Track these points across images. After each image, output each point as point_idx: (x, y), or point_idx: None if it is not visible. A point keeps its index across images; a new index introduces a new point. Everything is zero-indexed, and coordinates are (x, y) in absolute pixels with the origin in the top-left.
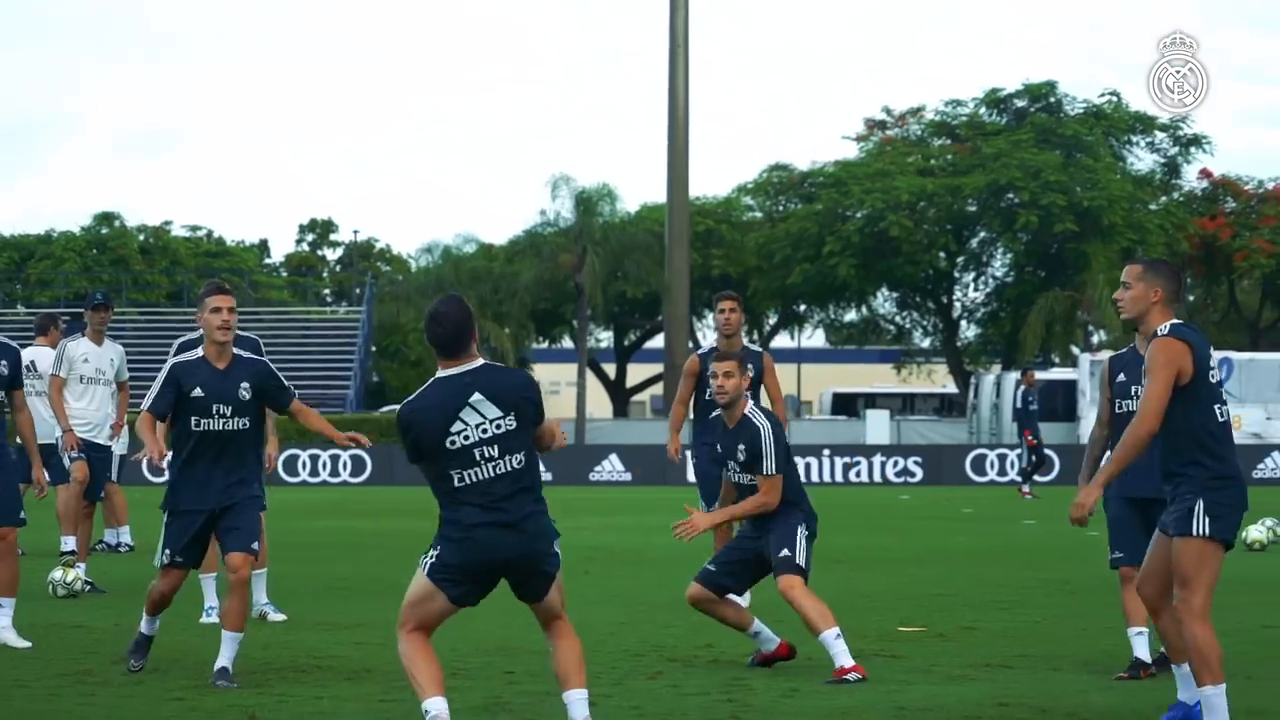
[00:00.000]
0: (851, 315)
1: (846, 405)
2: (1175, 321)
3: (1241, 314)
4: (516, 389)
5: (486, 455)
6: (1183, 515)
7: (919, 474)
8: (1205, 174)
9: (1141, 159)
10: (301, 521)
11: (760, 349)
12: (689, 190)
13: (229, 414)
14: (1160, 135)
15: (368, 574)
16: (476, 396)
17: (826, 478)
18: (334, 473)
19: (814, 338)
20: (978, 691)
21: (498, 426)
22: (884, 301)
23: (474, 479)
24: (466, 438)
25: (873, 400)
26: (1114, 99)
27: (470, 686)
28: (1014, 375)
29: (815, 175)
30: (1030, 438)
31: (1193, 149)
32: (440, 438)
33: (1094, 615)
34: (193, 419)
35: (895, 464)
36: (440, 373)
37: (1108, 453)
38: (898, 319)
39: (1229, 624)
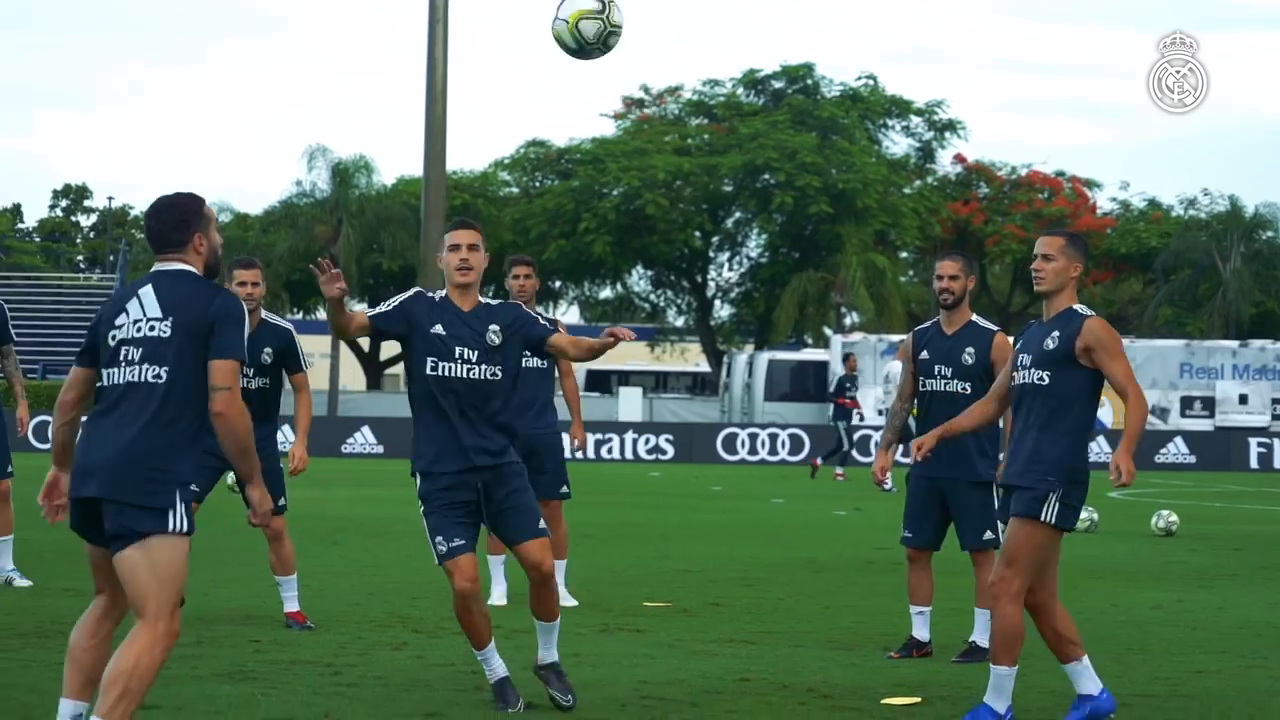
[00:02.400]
0: (606, 292)
1: (600, 382)
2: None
3: (993, 298)
4: (191, 297)
5: (130, 357)
6: (1037, 498)
7: (670, 451)
8: (959, 159)
9: (897, 143)
10: None
11: (554, 317)
12: (446, 164)
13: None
14: (916, 120)
15: None
16: (146, 290)
17: (578, 454)
18: None
19: (569, 314)
20: (720, 666)
21: (151, 328)
22: (639, 279)
23: (111, 381)
24: (125, 332)
25: (626, 378)
26: (870, 82)
27: (215, 655)
28: (767, 355)
29: (572, 152)
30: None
31: (947, 134)
32: (105, 332)
33: (838, 593)
34: None
35: (647, 441)
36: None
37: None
38: (652, 297)
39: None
